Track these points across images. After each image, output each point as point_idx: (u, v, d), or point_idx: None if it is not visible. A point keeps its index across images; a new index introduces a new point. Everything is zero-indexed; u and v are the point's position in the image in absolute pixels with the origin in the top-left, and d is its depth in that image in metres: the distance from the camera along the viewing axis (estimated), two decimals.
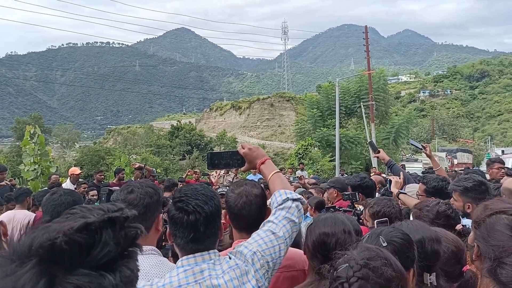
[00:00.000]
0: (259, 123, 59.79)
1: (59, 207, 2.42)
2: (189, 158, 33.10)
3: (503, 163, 5.52)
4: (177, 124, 43.43)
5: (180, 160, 34.03)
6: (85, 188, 7.24)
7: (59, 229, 0.61)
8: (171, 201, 1.58)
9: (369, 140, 4.99)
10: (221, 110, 67.33)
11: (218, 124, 63.44)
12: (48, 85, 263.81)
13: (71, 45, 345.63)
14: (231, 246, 1.93)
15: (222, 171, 10.96)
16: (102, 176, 9.21)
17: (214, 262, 1.48)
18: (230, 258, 1.52)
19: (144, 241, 1.74)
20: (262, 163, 1.86)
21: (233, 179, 10.30)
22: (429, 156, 4.47)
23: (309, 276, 1.88)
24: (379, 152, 4.41)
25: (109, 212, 0.68)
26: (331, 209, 3.99)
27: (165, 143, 37.49)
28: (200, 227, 1.46)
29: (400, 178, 3.89)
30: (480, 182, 2.87)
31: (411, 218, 2.73)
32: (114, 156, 24.70)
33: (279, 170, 1.88)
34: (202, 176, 11.54)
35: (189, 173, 11.12)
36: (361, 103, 25.10)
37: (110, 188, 3.07)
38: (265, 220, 1.68)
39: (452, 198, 2.99)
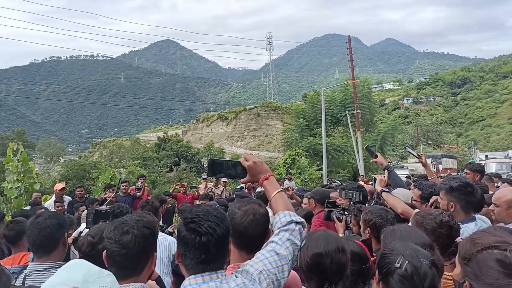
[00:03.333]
0: (246, 133, 59.82)
1: (44, 230, 2.34)
2: (177, 170, 32.79)
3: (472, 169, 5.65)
4: (163, 136, 43.10)
5: (167, 172, 33.68)
6: (58, 207, 7.09)
7: None
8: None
9: (366, 146, 4.89)
10: (207, 121, 67.25)
11: (205, 135, 63.29)
12: (32, 100, 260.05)
13: (54, 58, 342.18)
14: None
15: (211, 184, 10.89)
16: (81, 191, 8.86)
17: (221, 280, 1.49)
18: (236, 277, 1.53)
19: (135, 280, 1.73)
20: (266, 179, 1.85)
21: (222, 192, 10.23)
22: (424, 164, 4.51)
23: None
24: (376, 156, 4.35)
25: None
26: (328, 205, 3.94)
27: (152, 155, 37.11)
28: (211, 249, 1.47)
29: (384, 176, 3.90)
30: (466, 184, 2.93)
31: (410, 223, 2.75)
32: (100, 170, 24.36)
33: (282, 189, 1.87)
34: (189, 189, 11.43)
35: (176, 186, 10.98)
36: (347, 111, 25.33)
37: (97, 208, 3.00)
38: (269, 240, 1.68)
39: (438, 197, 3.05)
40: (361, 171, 22.40)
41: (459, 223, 2.52)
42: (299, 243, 1.69)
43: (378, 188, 3.78)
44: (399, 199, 3.47)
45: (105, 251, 1.76)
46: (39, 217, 2.43)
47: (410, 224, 2.75)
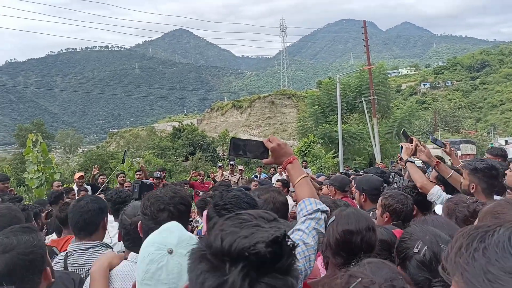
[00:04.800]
0: (260, 122, 59.74)
1: (85, 214, 2.41)
2: (192, 159, 33.01)
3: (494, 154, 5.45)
4: (178, 125, 43.37)
5: (183, 161, 33.95)
6: (83, 195, 7.21)
7: (258, 239, 0.74)
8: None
9: (402, 130, 4.57)
10: (222, 109, 67.31)
11: (220, 124, 63.41)
12: (49, 91, 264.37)
13: (70, 50, 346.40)
14: None
15: (227, 172, 10.93)
16: (104, 179, 9.19)
17: None
18: None
19: None
20: (290, 162, 1.80)
21: (238, 180, 10.25)
22: (449, 153, 4.41)
23: (329, 270, 1.82)
24: (412, 141, 3.99)
25: (277, 228, 0.80)
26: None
27: (168, 145, 37.43)
28: None
29: (411, 145, 3.71)
30: (491, 166, 2.89)
31: (438, 209, 2.70)
32: (117, 159, 24.68)
33: (307, 174, 1.83)
34: (206, 178, 11.50)
35: (193, 175, 11.05)
36: (362, 98, 25.01)
37: (143, 181, 3.04)
38: (294, 228, 1.66)
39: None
40: (378, 158, 22.20)
41: None
42: (323, 231, 1.68)
43: (404, 156, 3.61)
44: (421, 172, 3.42)
45: (140, 222, 1.79)
46: (81, 201, 2.49)
47: (436, 208, 2.72)
